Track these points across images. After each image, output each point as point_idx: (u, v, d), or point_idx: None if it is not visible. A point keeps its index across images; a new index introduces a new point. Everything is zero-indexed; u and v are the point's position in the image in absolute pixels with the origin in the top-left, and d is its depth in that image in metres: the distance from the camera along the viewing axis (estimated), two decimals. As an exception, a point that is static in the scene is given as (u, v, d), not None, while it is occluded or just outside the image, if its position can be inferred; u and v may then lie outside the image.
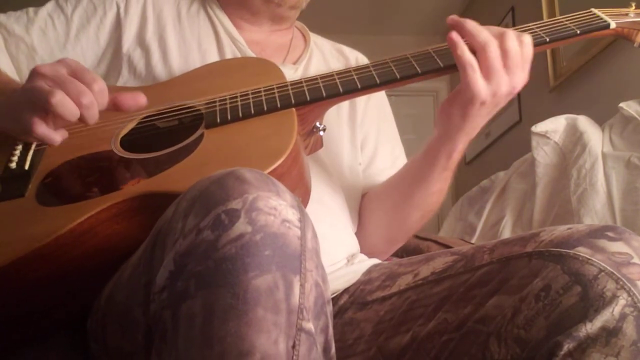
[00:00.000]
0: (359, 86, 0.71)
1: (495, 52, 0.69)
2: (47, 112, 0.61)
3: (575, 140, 1.53)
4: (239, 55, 0.88)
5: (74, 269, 0.60)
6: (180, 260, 0.44)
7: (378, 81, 0.71)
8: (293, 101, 0.69)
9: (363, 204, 0.93)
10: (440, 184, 0.84)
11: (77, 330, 0.64)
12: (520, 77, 0.71)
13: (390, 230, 0.91)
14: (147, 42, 0.86)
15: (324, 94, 0.71)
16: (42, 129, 0.63)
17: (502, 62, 0.70)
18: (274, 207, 0.45)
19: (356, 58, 1.03)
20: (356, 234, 0.91)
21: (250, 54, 0.88)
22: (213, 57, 0.87)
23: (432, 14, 3.74)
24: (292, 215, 0.46)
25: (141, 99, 0.67)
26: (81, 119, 0.63)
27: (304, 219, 0.48)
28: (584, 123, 1.55)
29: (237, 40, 0.89)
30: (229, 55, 0.88)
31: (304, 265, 0.45)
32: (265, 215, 0.44)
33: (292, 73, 0.90)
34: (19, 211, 0.63)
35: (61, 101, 0.60)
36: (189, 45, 0.87)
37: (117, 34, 0.86)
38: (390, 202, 0.89)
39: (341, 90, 0.71)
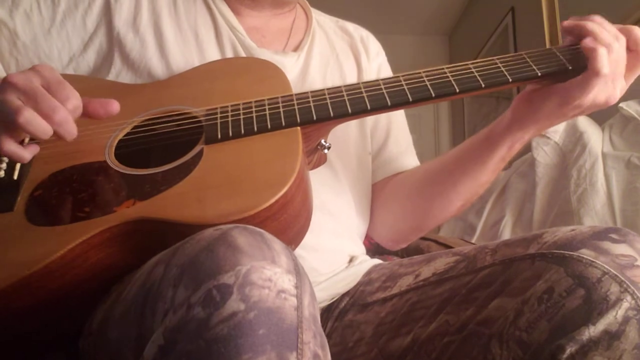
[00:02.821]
0: (369, 107, 0.67)
1: (617, 55, 0.65)
2: (15, 128, 0.58)
3: (575, 140, 1.53)
4: (237, 44, 0.85)
5: (64, 294, 0.58)
6: (170, 336, 0.42)
7: (389, 103, 0.67)
8: (298, 120, 0.65)
9: (385, 192, 0.90)
10: (490, 175, 0.80)
11: (72, 347, 0.63)
12: (620, 86, 0.67)
13: (420, 218, 0.87)
14: (141, 30, 0.82)
15: (332, 114, 0.66)
16: (8, 146, 0.59)
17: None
18: (269, 277, 0.43)
19: (361, 36, 0.99)
20: (372, 223, 0.89)
21: (250, 43, 0.84)
22: (211, 47, 0.84)
23: (432, 14, 3.74)
24: (287, 283, 0.44)
25: (112, 107, 0.63)
26: (57, 136, 0.59)
27: (300, 283, 0.46)
28: (584, 123, 1.55)
29: (236, 29, 0.85)
30: (227, 45, 0.84)
31: (301, 339, 0.43)
32: (260, 290, 0.42)
33: (294, 61, 0.86)
34: (7, 229, 0.60)
35: (29, 120, 0.57)
36: (186, 35, 0.84)
37: (107, 18, 0.82)
38: (429, 189, 0.85)
39: (350, 110, 0.66)
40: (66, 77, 0.82)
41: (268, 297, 0.42)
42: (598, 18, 0.68)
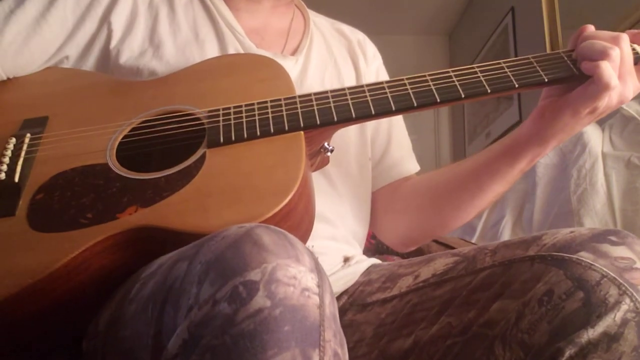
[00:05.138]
0: (373, 112, 0.66)
1: (619, 58, 0.65)
2: None
3: (575, 140, 1.53)
4: (238, 45, 0.84)
5: (67, 300, 0.58)
6: (196, 331, 0.42)
7: (394, 107, 0.66)
8: (302, 124, 0.64)
9: (394, 200, 0.90)
10: (508, 186, 0.81)
11: (74, 348, 0.62)
12: (631, 85, 0.67)
13: (433, 228, 0.88)
14: (139, 35, 0.82)
15: (335, 119, 0.65)
16: None
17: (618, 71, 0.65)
18: (294, 275, 0.44)
19: (358, 39, 0.98)
20: (381, 229, 0.90)
21: (249, 44, 0.84)
22: (213, 47, 0.83)
23: (432, 14, 3.74)
24: (311, 281, 0.45)
25: None
26: None
27: (322, 282, 0.46)
28: (584, 123, 1.55)
29: (235, 30, 0.85)
30: (229, 45, 0.84)
31: (323, 337, 0.43)
32: (285, 287, 0.43)
33: (292, 65, 0.86)
34: (9, 235, 0.59)
35: None
36: (186, 36, 0.83)
37: (107, 23, 0.82)
38: (443, 201, 0.86)
39: (354, 115, 0.66)
40: (67, 70, 0.80)
41: (293, 295, 0.43)
42: (588, 32, 0.69)
